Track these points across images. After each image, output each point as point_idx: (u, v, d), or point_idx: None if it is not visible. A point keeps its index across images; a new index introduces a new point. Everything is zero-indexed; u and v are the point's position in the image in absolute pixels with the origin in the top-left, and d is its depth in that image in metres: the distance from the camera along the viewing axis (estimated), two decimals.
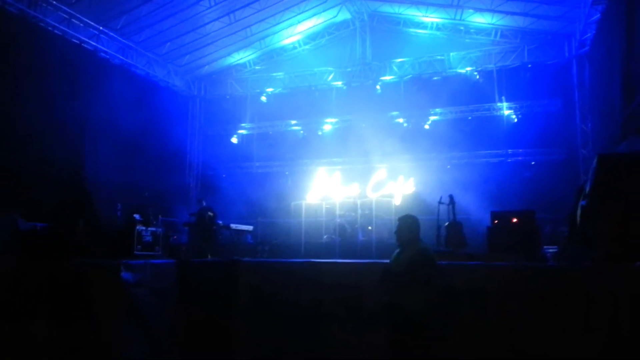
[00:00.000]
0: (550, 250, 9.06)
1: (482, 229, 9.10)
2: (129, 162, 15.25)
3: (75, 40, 14.34)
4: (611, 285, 5.20)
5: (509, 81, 16.88)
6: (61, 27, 13.79)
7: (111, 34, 15.39)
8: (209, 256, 10.47)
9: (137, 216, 9.07)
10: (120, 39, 15.84)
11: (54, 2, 13.27)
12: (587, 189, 6.34)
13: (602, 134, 13.09)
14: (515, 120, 16.75)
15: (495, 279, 5.71)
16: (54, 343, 6.27)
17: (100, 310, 6.24)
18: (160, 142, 16.53)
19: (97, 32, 14.97)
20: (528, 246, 7.69)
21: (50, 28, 13.47)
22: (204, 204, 12.91)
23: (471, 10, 16.59)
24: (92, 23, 14.61)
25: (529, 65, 16.65)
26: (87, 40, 14.73)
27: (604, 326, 5.16)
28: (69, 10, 13.76)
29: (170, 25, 16.08)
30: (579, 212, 6.66)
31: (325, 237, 14.38)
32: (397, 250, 5.22)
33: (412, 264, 4.83)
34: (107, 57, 15.64)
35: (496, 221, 8.46)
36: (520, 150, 16.53)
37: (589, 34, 14.29)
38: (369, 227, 14.08)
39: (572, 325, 5.31)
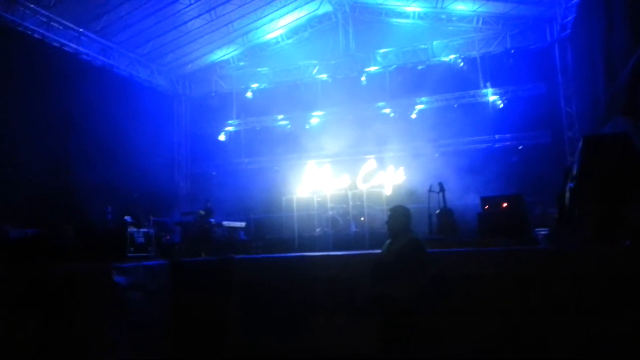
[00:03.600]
0: (542, 232, 9.13)
1: (472, 215, 9.15)
2: (116, 165, 15.05)
3: (55, 44, 14.16)
4: (600, 266, 5.28)
5: (493, 67, 16.96)
6: (40, 30, 13.61)
7: (91, 35, 15.20)
8: (203, 255, 10.44)
9: (128, 218, 9.04)
10: (101, 40, 15.65)
11: (32, 6, 13.05)
12: (574, 171, 6.41)
13: (587, 116, 13.19)
14: (501, 105, 16.83)
15: (486, 264, 5.77)
16: (46, 348, 6.24)
17: (93, 314, 6.22)
18: (147, 142, 16.34)
19: (77, 34, 14.79)
20: (518, 230, 7.78)
21: (29, 32, 13.27)
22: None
23: None
24: (71, 25, 14.42)
25: (512, 51, 16.70)
26: (67, 43, 14.54)
27: (594, 306, 5.23)
28: (47, 13, 13.55)
29: (151, 24, 15.92)
30: (567, 194, 6.73)
31: (318, 230, 14.37)
32: (388, 241, 5.23)
33: (403, 254, 4.85)
34: (89, 59, 15.47)
35: (486, 207, 8.56)
36: (507, 135, 16.63)
37: (569, 17, 14.35)
38: (362, 218, 14.06)
39: (562, 307, 5.38)
